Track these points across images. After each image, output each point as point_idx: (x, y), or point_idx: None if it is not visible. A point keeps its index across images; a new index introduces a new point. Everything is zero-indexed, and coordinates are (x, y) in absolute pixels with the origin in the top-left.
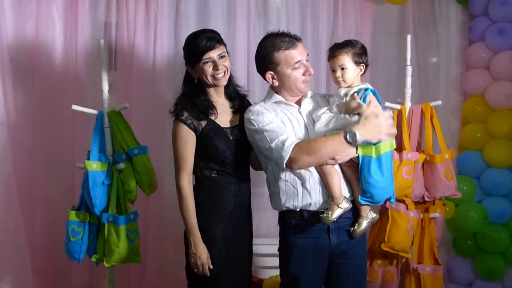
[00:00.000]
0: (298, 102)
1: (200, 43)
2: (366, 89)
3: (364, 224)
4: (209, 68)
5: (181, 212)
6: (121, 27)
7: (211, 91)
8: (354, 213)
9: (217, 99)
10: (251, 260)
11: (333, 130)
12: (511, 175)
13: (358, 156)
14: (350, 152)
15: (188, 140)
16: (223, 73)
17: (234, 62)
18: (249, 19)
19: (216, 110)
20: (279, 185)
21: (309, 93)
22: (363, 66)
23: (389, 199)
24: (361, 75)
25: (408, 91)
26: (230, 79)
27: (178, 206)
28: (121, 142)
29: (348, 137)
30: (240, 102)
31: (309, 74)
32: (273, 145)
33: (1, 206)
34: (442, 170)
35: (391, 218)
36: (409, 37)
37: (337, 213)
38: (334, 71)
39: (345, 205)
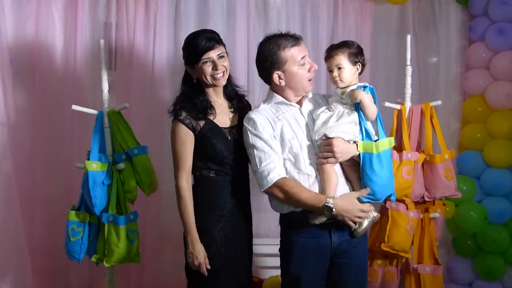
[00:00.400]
0: (299, 103)
1: (199, 43)
2: (364, 87)
3: (365, 223)
4: (208, 68)
5: (179, 212)
6: (121, 27)
7: (210, 91)
8: None
9: (216, 99)
10: (251, 260)
11: (332, 128)
12: (511, 175)
13: (359, 155)
14: (351, 150)
15: (187, 140)
16: (222, 73)
17: (234, 62)
18: (249, 19)
19: (215, 110)
20: None
21: (310, 94)
22: (359, 65)
23: (390, 196)
24: (359, 74)
25: (408, 91)
26: (229, 79)
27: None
28: (121, 142)
29: (326, 204)
30: (238, 102)
31: (314, 70)
32: (259, 168)
33: (1, 206)
34: (442, 170)
35: (391, 218)
36: (409, 37)
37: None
38: (331, 71)
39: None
